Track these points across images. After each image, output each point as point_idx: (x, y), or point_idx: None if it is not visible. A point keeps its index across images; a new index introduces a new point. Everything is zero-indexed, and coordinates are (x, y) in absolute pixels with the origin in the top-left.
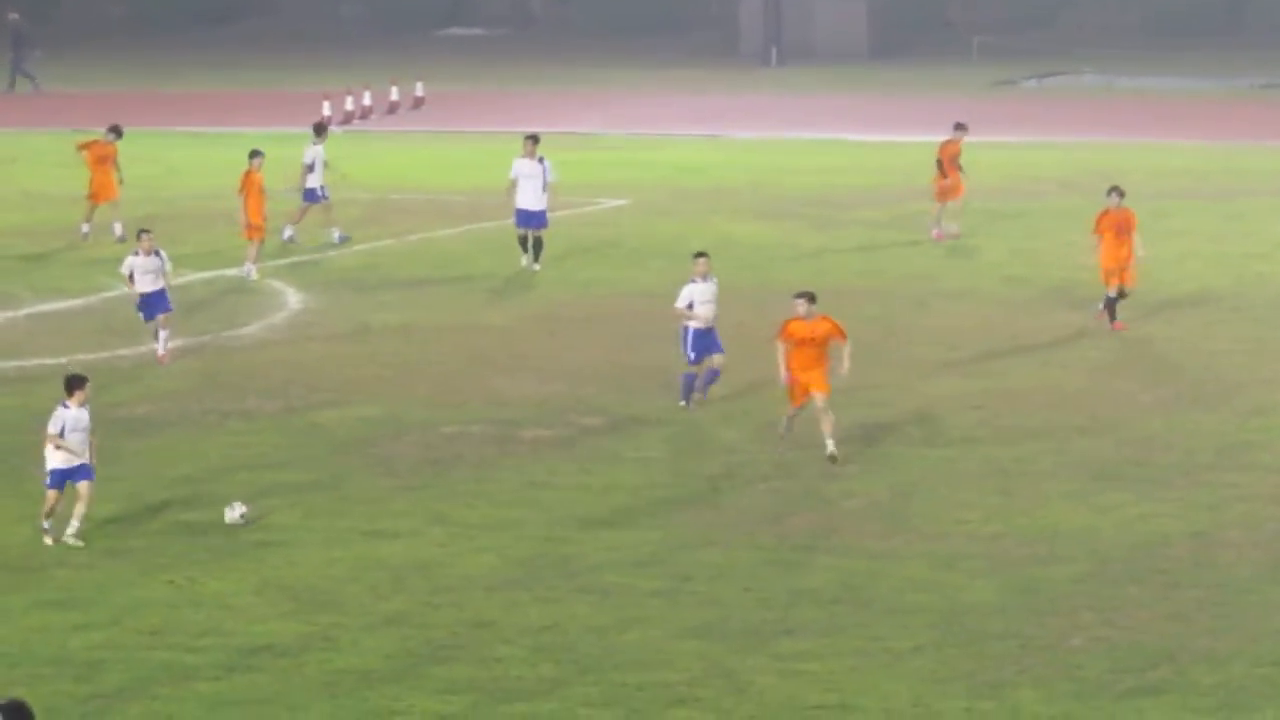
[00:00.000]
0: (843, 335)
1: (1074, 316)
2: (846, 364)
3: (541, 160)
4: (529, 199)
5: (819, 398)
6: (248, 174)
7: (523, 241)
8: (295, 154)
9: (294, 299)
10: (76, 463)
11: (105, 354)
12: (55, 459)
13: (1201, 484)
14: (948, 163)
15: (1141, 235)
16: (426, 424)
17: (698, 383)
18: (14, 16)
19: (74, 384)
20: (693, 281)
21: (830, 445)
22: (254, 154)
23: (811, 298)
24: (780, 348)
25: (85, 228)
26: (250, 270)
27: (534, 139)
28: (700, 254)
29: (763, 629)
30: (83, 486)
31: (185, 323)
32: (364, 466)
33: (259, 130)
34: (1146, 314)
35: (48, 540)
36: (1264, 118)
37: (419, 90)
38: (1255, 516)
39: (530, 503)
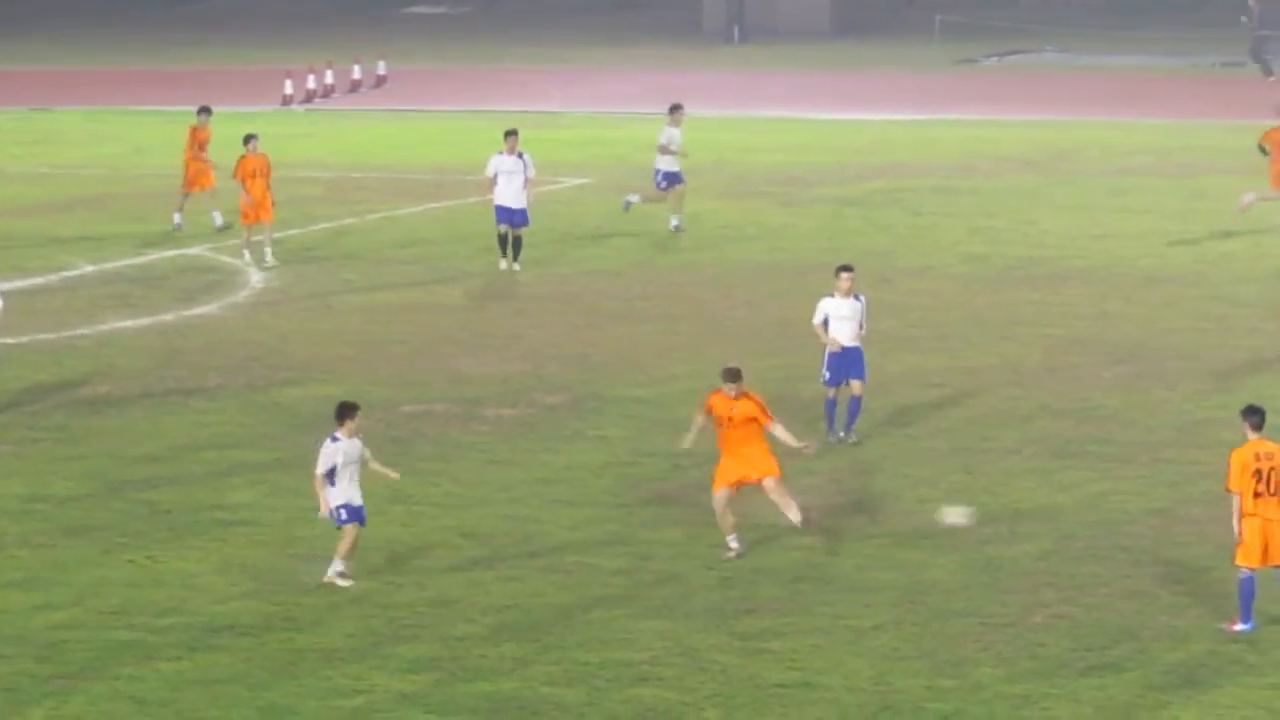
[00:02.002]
0: (768, 417)
1: (1034, 294)
2: (790, 440)
3: (521, 155)
4: (509, 196)
5: (768, 482)
6: (241, 159)
7: (503, 241)
8: (258, 130)
9: (256, 277)
10: (360, 500)
11: (66, 333)
12: (338, 495)
13: (1163, 461)
14: (1276, 149)
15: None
16: (388, 402)
17: (840, 413)
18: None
19: (345, 412)
20: (830, 296)
21: (795, 514)
22: (248, 139)
23: (736, 375)
24: (695, 422)
25: (177, 218)
26: (262, 254)
27: (514, 134)
28: (842, 268)
29: (725, 607)
30: (349, 527)
31: (148, 301)
32: None
33: (224, 109)
34: (1106, 292)
35: (346, 583)
36: (1226, 95)
37: (382, 68)
38: (1216, 494)
39: (492, 481)
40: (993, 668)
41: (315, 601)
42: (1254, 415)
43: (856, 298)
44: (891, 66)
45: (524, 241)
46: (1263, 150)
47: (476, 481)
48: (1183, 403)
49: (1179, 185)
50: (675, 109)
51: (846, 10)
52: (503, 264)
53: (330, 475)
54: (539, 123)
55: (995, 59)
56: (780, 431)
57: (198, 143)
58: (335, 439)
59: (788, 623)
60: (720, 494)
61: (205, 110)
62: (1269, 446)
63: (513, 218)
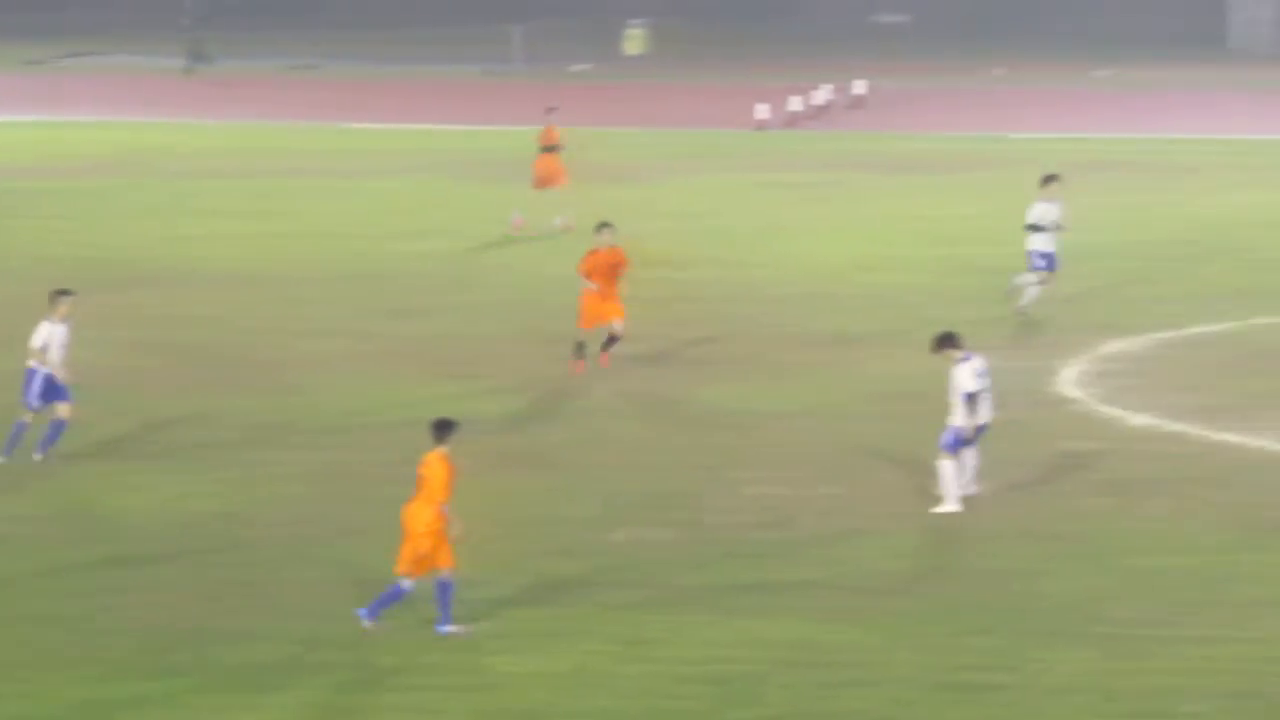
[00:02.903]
0: None
1: (106, 296)
2: None
3: None
4: None
5: None
6: None
7: None
8: None
9: None
10: None
11: None
12: None
13: (233, 463)
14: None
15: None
16: None
17: (43, 436)
18: None
19: None
20: (48, 320)
21: None
22: None
23: None
24: None
25: None
26: None
27: None
28: (62, 291)
29: None
30: None
31: None
32: None
33: None
34: (177, 294)
35: None
36: (297, 99)
37: None
38: (284, 496)
39: None
40: (59, 672)
41: None
42: (433, 427)
43: (62, 322)
44: None
45: None
46: (546, 150)
47: None
48: (256, 404)
49: (246, 186)
50: None
51: None
52: None
53: None
54: None
55: (71, 59)
56: None
57: None
58: None
59: None
60: None
61: None
62: (430, 456)
63: None
